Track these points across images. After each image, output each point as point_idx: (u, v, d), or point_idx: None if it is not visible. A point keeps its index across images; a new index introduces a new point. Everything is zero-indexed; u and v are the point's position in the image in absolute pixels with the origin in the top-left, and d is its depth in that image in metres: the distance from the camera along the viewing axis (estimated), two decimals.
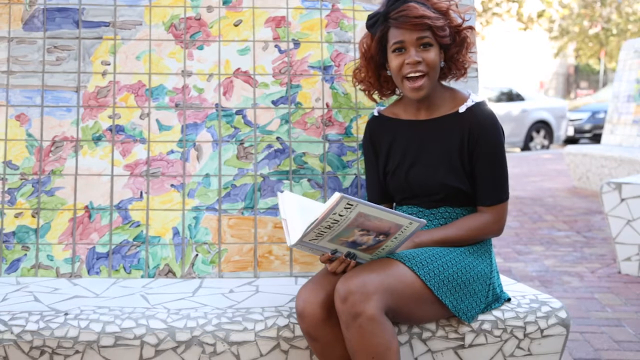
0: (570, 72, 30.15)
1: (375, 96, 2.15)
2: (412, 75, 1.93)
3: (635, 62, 7.19)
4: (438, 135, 1.99)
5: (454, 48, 2.00)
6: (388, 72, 2.02)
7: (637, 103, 7.06)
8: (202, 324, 1.85)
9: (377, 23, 1.97)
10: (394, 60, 1.96)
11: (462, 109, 1.99)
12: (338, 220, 1.70)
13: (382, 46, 1.99)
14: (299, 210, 1.87)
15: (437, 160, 1.98)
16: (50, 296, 2.04)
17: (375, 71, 2.05)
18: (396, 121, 2.07)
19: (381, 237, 1.78)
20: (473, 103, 1.99)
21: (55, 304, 1.96)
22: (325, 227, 1.71)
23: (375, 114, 2.12)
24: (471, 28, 2.03)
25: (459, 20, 1.99)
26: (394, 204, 2.11)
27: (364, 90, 2.13)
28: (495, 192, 1.97)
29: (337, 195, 1.65)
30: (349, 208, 1.69)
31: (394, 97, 2.18)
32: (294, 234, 1.78)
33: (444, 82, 2.08)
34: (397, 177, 2.02)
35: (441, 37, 1.94)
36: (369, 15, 2.01)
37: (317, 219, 1.69)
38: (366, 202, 1.70)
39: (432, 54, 1.93)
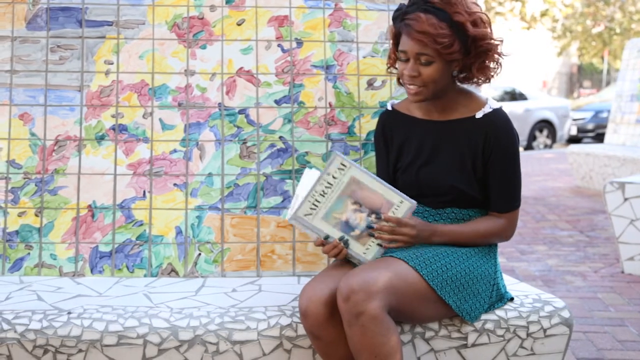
0: (574, 71, 30.12)
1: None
2: (409, 86, 1.91)
3: (638, 61, 7.18)
4: (452, 138, 1.98)
5: (468, 60, 1.92)
6: None
7: None
8: (205, 323, 1.85)
9: (396, 20, 1.93)
10: (399, 64, 1.94)
11: (479, 114, 1.96)
12: (332, 184, 1.78)
13: (397, 43, 1.95)
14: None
15: (449, 163, 1.97)
16: (54, 295, 2.04)
17: (397, 60, 2.00)
18: (410, 118, 2.05)
19: (373, 218, 1.81)
20: (490, 110, 1.96)
21: (58, 302, 1.97)
22: (320, 194, 1.76)
23: (389, 107, 2.11)
24: (488, 42, 1.90)
25: (479, 33, 1.88)
26: None
27: (397, 75, 2.06)
28: (509, 200, 1.98)
29: (333, 154, 1.74)
30: (342, 169, 1.78)
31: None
32: (292, 209, 1.82)
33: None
34: (408, 175, 2.01)
35: (446, 54, 1.86)
36: (398, 7, 1.94)
37: (313, 185, 1.76)
38: (359, 166, 1.76)
39: (430, 70, 1.88)
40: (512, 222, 2.00)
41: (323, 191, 1.79)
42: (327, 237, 1.83)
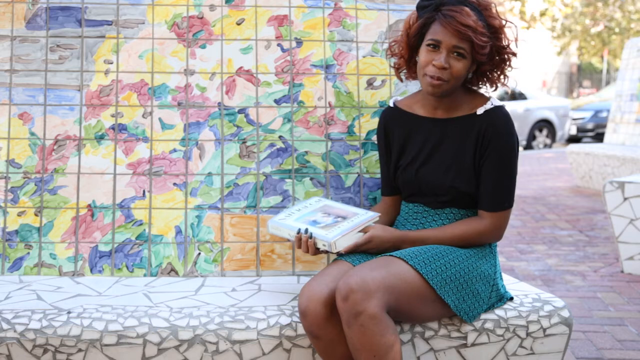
0: (573, 70, 30.12)
1: (402, 75, 2.09)
2: (432, 78, 1.89)
3: (638, 60, 7.17)
4: (453, 136, 1.97)
5: (488, 65, 1.94)
6: (417, 57, 1.96)
7: None
8: (205, 323, 1.85)
9: (427, 9, 1.91)
10: (423, 54, 1.91)
11: (479, 111, 1.96)
12: (307, 207, 2.07)
13: (421, 32, 1.94)
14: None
15: (449, 162, 1.96)
16: (53, 294, 2.04)
17: (408, 50, 1.99)
18: (412, 116, 2.04)
19: (339, 219, 1.97)
20: (492, 106, 1.96)
21: (58, 302, 1.96)
22: (296, 210, 2.05)
23: (391, 104, 2.10)
24: (514, 54, 1.95)
25: (505, 42, 1.92)
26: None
27: (395, 67, 2.07)
28: (497, 199, 1.94)
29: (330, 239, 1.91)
30: (318, 201, 2.10)
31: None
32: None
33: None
34: (408, 173, 2.01)
35: (478, 53, 1.88)
36: None
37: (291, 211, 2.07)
38: (342, 231, 1.93)
39: (461, 65, 1.88)
40: (499, 223, 1.95)
41: (299, 209, 2.05)
42: (298, 231, 1.93)
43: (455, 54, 1.87)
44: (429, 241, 1.93)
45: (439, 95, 1.94)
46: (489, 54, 1.91)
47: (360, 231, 1.93)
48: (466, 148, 1.96)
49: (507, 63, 1.96)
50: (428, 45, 1.90)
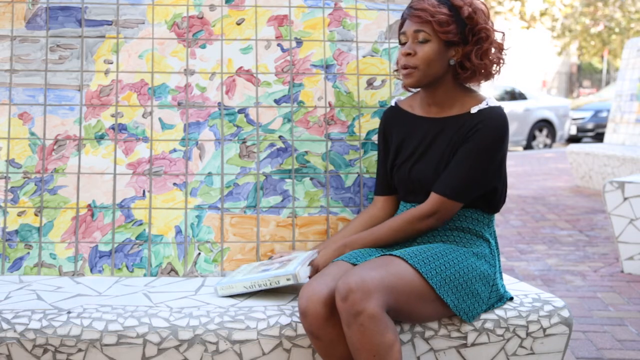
0: (573, 70, 30.12)
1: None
2: (403, 69, 1.94)
3: (638, 60, 7.17)
4: (445, 134, 1.98)
5: (468, 47, 1.94)
6: None
7: None
8: (205, 323, 1.85)
9: (403, 15, 1.99)
10: (398, 50, 1.98)
11: (474, 109, 1.96)
12: (240, 271, 2.08)
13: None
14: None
15: (440, 159, 1.97)
16: (53, 294, 2.04)
17: None
18: (411, 116, 2.06)
19: (283, 262, 2.02)
20: (487, 106, 1.96)
21: (58, 302, 1.96)
22: (233, 275, 2.06)
23: (393, 104, 2.13)
24: (485, 29, 1.93)
25: (476, 17, 1.92)
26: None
27: None
28: (446, 182, 1.92)
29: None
30: (246, 267, 2.11)
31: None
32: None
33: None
34: (402, 171, 2.02)
35: (442, 32, 1.90)
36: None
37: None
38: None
39: (426, 49, 1.91)
40: (437, 209, 1.91)
41: (236, 274, 2.06)
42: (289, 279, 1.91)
43: (418, 40, 1.92)
44: (367, 239, 1.97)
45: (415, 86, 1.97)
46: (459, 33, 1.91)
47: (309, 264, 1.98)
48: (456, 146, 1.95)
49: (490, 40, 1.95)
50: (400, 44, 1.98)
